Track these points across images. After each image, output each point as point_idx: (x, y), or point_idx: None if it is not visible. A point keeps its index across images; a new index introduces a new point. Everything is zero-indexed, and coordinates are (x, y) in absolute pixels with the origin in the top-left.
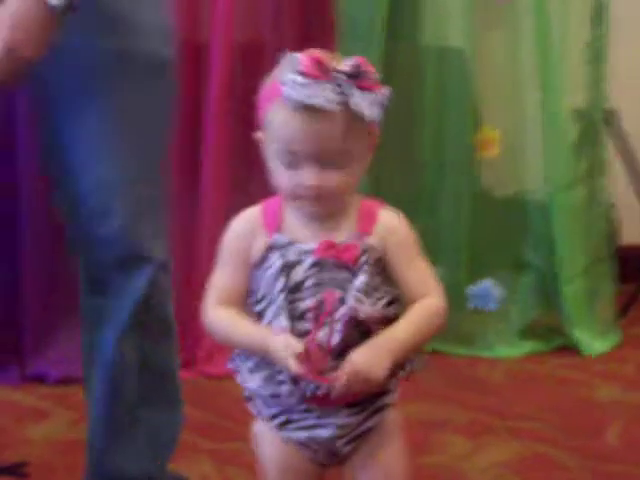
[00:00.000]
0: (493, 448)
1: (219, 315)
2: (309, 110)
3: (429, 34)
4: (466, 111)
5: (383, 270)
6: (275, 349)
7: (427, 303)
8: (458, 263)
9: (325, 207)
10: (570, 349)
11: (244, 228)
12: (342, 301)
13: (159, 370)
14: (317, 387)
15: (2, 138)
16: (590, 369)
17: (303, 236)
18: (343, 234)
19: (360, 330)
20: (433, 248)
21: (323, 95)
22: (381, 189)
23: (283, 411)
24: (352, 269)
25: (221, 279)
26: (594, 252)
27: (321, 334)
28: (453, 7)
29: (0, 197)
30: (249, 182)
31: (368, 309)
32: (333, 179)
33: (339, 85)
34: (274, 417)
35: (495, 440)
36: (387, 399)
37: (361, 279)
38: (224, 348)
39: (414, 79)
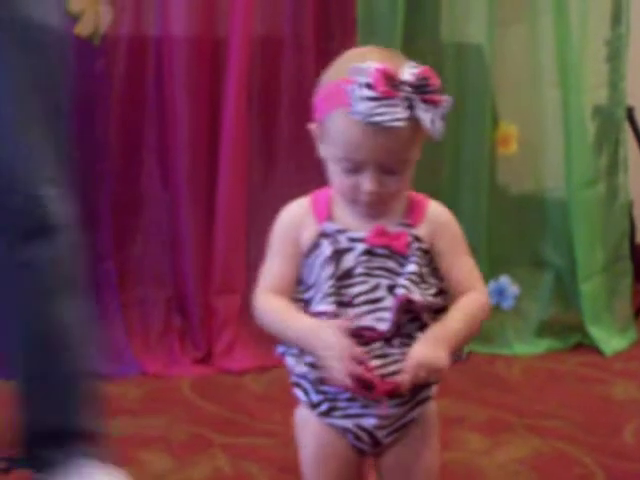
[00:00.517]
0: (511, 445)
1: (270, 303)
2: (376, 126)
3: (448, 30)
4: (485, 107)
5: (430, 262)
6: (324, 353)
7: (474, 297)
8: (476, 260)
9: (381, 210)
10: (588, 347)
11: (294, 217)
12: (391, 289)
13: (64, 328)
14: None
15: None
16: (608, 367)
17: (354, 225)
18: (392, 224)
19: (410, 318)
20: None
21: (392, 113)
22: None
23: (328, 399)
24: (401, 258)
25: (271, 268)
26: (613, 250)
27: (370, 318)
28: (472, 3)
29: None
30: (267, 175)
31: (419, 297)
32: (392, 185)
33: (406, 98)
34: (320, 404)
35: (513, 437)
36: (429, 391)
37: (411, 267)
38: (241, 344)
39: None
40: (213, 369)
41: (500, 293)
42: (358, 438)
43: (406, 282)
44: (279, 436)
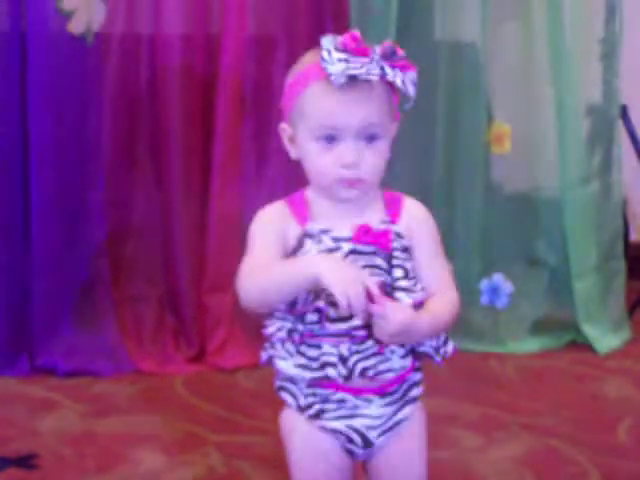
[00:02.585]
0: (504, 443)
1: (255, 271)
2: (350, 83)
3: (442, 29)
4: (479, 106)
5: (411, 257)
6: (338, 271)
7: (450, 294)
8: (470, 258)
9: (360, 191)
10: (581, 345)
11: (274, 215)
12: (382, 286)
13: None
14: (365, 369)
15: (13, 128)
16: (601, 365)
17: (335, 224)
18: (373, 221)
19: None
20: (445, 243)
21: (366, 69)
22: (393, 183)
23: (317, 401)
24: (387, 254)
25: (254, 256)
26: (607, 248)
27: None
28: (466, 2)
29: (10, 190)
30: (260, 173)
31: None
32: (369, 157)
33: (377, 62)
34: (309, 407)
35: (506, 435)
36: (416, 392)
37: (398, 273)
38: (234, 341)
39: (426, 74)
40: (206, 367)
41: (494, 291)
42: (350, 440)
43: (401, 293)
44: (272, 434)
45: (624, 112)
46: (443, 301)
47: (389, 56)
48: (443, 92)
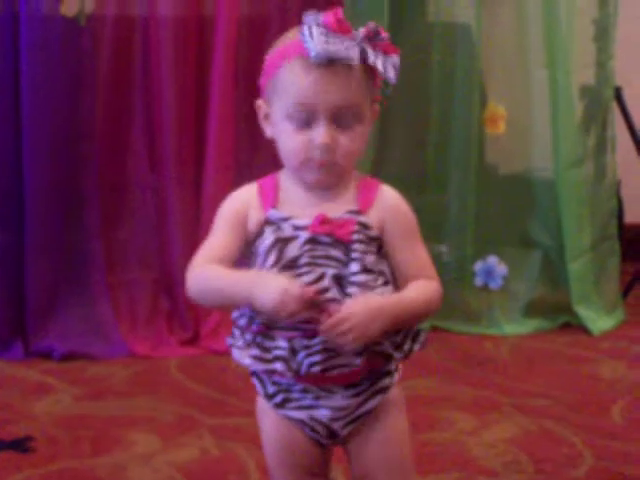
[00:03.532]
0: (499, 425)
1: (207, 268)
2: (329, 63)
3: (435, 10)
4: (472, 87)
5: (379, 248)
6: (264, 287)
7: (424, 282)
8: (464, 240)
9: (331, 175)
10: (576, 327)
11: (241, 199)
12: (336, 279)
13: None
14: (312, 364)
15: (6, 110)
16: (595, 347)
17: (299, 212)
18: (340, 210)
19: None
20: (439, 225)
21: (346, 49)
22: (387, 165)
23: (282, 390)
24: (345, 246)
25: (212, 241)
26: (601, 230)
27: (315, 310)
28: None
29: (4, 175)
30: (254, 155)
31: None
32: (344, 142)
33: (358, 44)
34: (273, 395)
35: (501, 417)
36: (387, 381)
37: (354, 267)
38: (228, 325)
39: (420, 55)
40: (200, 350)
41: (488, 273)
42: (313, 430)
43: (354, 289)
44: None
45: (618, 93)
46: (416, 289)
47: (372, 37)
48: (436, 74)
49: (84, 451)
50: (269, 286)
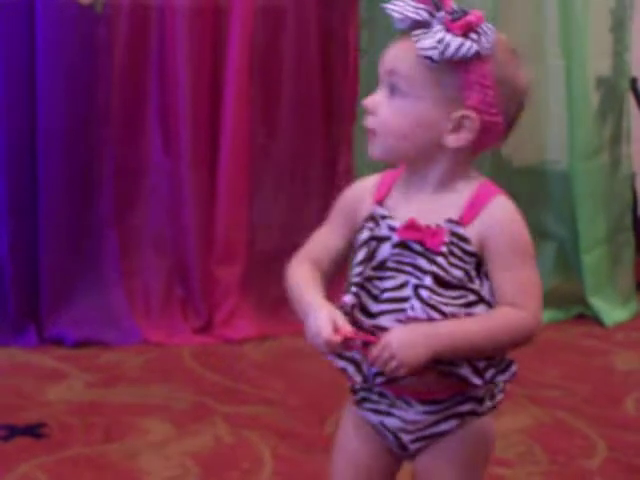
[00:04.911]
0: (512, 415)
1: (296, 271)
2: (402, 33)
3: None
4: None
5: (477, 266)
6: (308, 321)
7: (508, 311)
8: None
9: (375, 147)
10: (590, 318)
11: (355, 192)
12: (416, 289)
13: None
14: (377, 373)
15: (23, 97)
16: (609, 338)
17: (398, 212)
18: (440, 217)
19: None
20: None
21: (405, 9)
22: None
23: (364, 387)
24: (433, 256)
25: (318, 236)
26: (615, 221)
27: (389, 319)
28: None
29: (19, 161)
30: (269, 144)
31: (420, 312)
32: (383, 108)
33: (436, 19)
34: (357, 391)
35: (514, 407)
36: (468, 407)
37: (427, 281)
38: (242, 313)
39: None
40: (214, 338)
41: None
42: (385, 437)
43: (415, 302)
44: (279, 404)
45: (634, 84)
46: (489, 318)
47: (455, 15)
48: None
49: (97, 438)
50: (309, 323)
